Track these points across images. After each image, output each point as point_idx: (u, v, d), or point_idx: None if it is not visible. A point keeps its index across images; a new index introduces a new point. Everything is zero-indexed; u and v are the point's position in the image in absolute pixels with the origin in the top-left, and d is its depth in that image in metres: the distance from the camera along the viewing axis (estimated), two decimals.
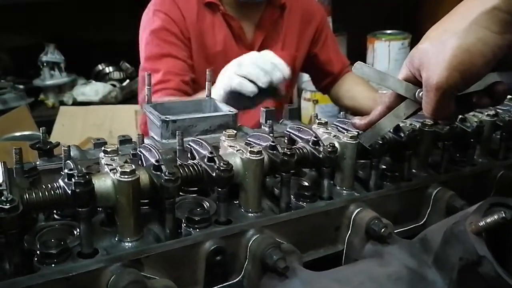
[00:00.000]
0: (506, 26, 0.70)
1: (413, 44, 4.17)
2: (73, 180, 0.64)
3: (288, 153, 0.80)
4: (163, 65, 1.78)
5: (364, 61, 4.07)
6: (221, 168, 0.74)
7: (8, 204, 0.60)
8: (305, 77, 3.32)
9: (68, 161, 0.70)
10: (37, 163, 0.91)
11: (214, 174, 0.75)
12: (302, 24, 2.04)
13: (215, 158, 0.77)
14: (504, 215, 0.65)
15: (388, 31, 4.03)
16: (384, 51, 3.95)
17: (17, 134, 3.13)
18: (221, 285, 0.75)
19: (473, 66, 0.71)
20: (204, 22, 1.86)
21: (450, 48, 0.72)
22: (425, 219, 0.96)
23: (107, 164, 0.72)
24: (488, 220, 0.66)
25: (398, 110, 0.87)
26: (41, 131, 0.97)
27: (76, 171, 0.67)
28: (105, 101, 3.77)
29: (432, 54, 0.75)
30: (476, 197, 0.76)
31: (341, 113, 1.08)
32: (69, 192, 0.65)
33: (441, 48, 0.73)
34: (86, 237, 0.67)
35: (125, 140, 1.06)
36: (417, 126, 0.99)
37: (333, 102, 2.31)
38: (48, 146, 0.95)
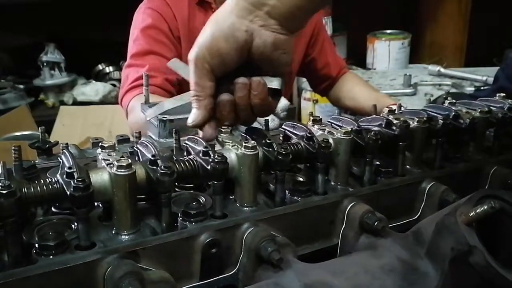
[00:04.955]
0: (245, 11, 0.82)
1: (413, 44, 4.19)
2: (72, 183, 0.65)
3: (283, 152, 0.81)
4: (149, 61, 1.75)
5: (364, 61, 4.12)
6: (216, 160, 0.75)
7: (5, 190, 0.60)
8: None
9: (64, 151, 0.71)
10: (36, 161, 0.92)
11: (209, 167, 0.76)
12: None
13: (210, 152, 0.78)
14: (493, 205, 0.66)
15: (388, 31, 4.05)
16: (384, 51, 3.97)
17: (17, 134, 3.15)
18: (217, 277, 0.76)
19: (218, 44, 0.83)
20: (195, 22, 1.84)
21: (206, 32, 0.85)
22: (419, 214, 0.97)
23: (104, 159, 0.73)
24: (478, 210, 0.67)
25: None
26: (40, 130, 0.98)
27: (74, 169, 0.68)
28: (105, 101, 3.79)
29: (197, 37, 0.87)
30: (470, 193, 0.77)
31: (336, 111, 1.09)
32: (68, 194, 0.66)
33: (203, 33, 0.86)
34: (83, 233, 0.68)
35: (123, 140, 1.07)
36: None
37: (332, 103, 2.28)
38: (47, 145, 0.96)
